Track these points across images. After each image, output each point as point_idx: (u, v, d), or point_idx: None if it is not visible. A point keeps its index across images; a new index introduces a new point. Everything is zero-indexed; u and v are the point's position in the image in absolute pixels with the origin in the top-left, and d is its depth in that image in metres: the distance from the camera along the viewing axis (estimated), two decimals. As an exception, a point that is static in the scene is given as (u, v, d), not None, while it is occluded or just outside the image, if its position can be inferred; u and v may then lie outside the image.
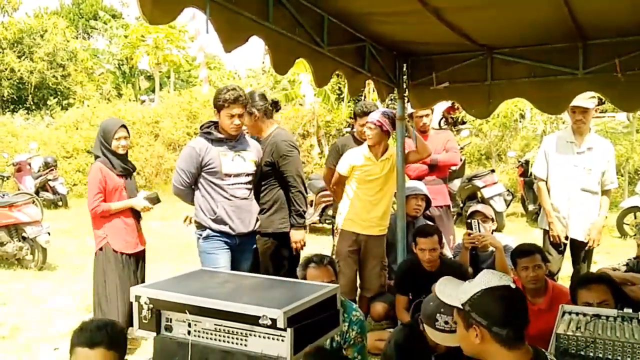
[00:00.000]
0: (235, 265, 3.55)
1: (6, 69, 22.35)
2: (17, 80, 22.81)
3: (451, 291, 1.88)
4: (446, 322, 2.34)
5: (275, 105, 3.93)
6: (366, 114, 4.22)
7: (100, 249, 3.75)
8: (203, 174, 3.47)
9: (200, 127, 3.64)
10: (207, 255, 3.52)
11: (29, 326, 4.54)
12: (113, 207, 3.74)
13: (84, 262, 6.69)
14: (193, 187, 3.57)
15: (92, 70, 24.98)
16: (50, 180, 11.27)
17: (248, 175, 3.54)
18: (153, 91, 24.36)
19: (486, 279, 1.78)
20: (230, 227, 3.48)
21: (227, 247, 3.51)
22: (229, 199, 3.47)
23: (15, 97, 23.38)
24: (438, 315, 2.36)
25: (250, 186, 3.57)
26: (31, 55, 22.70)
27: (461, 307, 1.77)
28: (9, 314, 4.85)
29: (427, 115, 4.68)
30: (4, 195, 7.19)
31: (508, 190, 8.52)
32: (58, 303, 5.14)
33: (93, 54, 25.92)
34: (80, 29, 29.03)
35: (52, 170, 11.34)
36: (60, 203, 11.32)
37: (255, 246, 3.69)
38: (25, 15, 24.23)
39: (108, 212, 3.72)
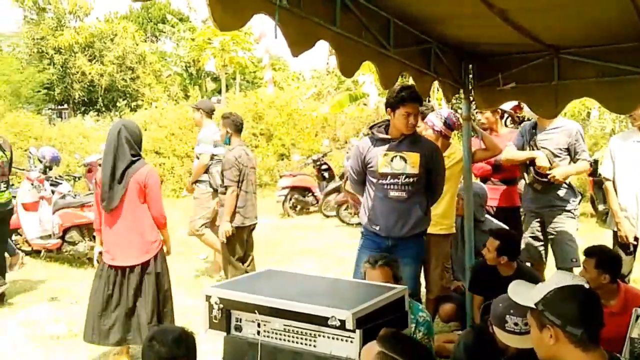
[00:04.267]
0: None
1: (77, 72, 23.82)
2: (88, 83, 24.25)
3: (524, 292, 1.89)
4: (516, 324, 2.35)
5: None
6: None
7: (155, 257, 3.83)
8: (367, 172, 3.60)
9: (370, 126, 3.77)
10: (358, 253, 3.64)
11: (99, 325, 4.83)
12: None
13: (153, 261, 7.07)
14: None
15: (160, 72, 26.17)
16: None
17: (408, 177, 3.47)
18: (219, 92, 25.17)
19: (559, 279, 1.79)
20: (381, 228, 3.51)
21: (376, 248, 3.50)
22: (383, 200, 3.50)
23: (86, 100, 24.85)
24: (507, 316, 2.37)
25: (410, 188, 3.49)
26: (101, 59, 24.07)
27: (534, 307, 1.78)
28: (81, 312, 5.11)
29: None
30: (75, 195, 7.69)
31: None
32: (128, 301, 5.41)
33: (161, 56, 27.19)
34: (148, 32, 30.44)
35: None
36: (128, 203, 11.91)
37: (417, 252, 3.61)
38: (96, 19, 25.74)
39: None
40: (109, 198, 3.67)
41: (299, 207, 10.28)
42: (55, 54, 23.75)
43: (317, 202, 10.19)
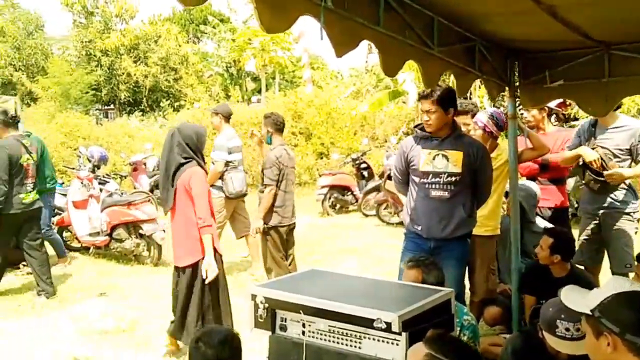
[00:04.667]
0: None
1: (123, 74, 24.49)
2: (133, 84, 24.89)
3: (578, 297, 1.82)
4: (567, 329, 2.28)
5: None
6: (461, 112, 4.17)
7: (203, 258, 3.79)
8: (410, 171, 3.57)
9: (415, 125, 3.77)
10: (402, 254, 3.58)
11: (147, 320, 4.86)
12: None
13: (196, 258, 7.20)
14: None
15: (202, 73, 26.65)
16: (163, 179, 12.14)
17: (450, 175, 3.40)
18: (259, 92, 25.44)
19: (616, 285, 1.72)
20: (423, 229, 3.46)
21: (418, 249, 3.44)
22: (425, 199, 3.45)
23: (131, 100, 25.51)
24: (558, 321, 2.30)
25: (452, 188, 3.41)
26: (146, 60, 24.67)
27: (590, 313, 1.72)
28: (128, 307, 5.24)
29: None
30: (122, 193, 7.90)
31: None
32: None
33: (202, 57, 27.65)
34: (190, 34, 31.02)
35: (165, 169, 12.21)
36: (173, 201, 12.16)
37: (461, 254, 3.53)
38: (141, 22, 26.37)
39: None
40: (165, 200, 3.81)
41: (338, 206, 10.27)
42: (102, 56, 24.49)
43: (356, 201, 10.15)
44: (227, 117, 6.17)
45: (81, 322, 4.89)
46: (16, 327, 4.81)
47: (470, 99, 10.37)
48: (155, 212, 7.09)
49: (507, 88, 4.01)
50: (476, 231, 3.78)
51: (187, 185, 3.69)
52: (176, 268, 3.86)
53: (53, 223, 6.77)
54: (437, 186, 3.43)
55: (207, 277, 3.67)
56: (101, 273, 6.51)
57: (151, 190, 11.57)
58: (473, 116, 4.19)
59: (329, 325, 2.21)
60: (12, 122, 5.56)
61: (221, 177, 5.99)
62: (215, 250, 3.73)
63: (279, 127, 5.19)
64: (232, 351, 2.05)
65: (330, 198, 10.14)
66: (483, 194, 3.59)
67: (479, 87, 9.93)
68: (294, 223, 5.23)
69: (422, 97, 3.47)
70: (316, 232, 8.65)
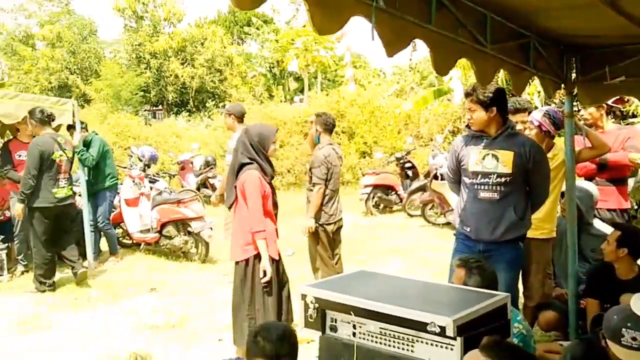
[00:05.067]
0: None
1: (171, 76, 25.05)
2: (180, 85, 25.43)
3: None
4: (634, 339, 2.15)
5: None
6: (520, 110, 4.07)
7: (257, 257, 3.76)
8: (460, 171, 3.49)
9: (467, 124, 3.69)
10: (452, 255, 3.50)
11: (195, 316, 4.95)
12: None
13: (242, 256, 7.28)
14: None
15: (246, 73, 26.99)
16: (209, 177, 12.34)
17: (500, 176, 3.29)
18: (301, 91, 25.57)
19: None
20: (471, 231, 3.37)
21: (468, 250, 3.34)
22: (474, 200, 3.37)
23: (178, 101, 26.07)
24: (624, 330, 2.18)
25: (502, 189, 3.29)
26: (192, 62, 25.16)
27: None
28: (177, 303, 5.34)
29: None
30: (171, 192, 8.09)
31: None
32: (221, 295, 5.47)
33: (246, 58, 27.98)
34: (235, 36, 31.46)
35: (212, 168, 12.39)
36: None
37: (512, 258, 3.38)
38: (188, 25, 26.91)
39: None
40: (227, 197, 3.90)
41: (381, 205, 10.18)
42: (151, 58, 25.12)
43: (401, 201, 10.03)
44: (240, 117, 6.09)
45: (133, 316, 5.02)
46: (72, 320, 4.98)
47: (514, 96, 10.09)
48: (203, 210, 7.21)
49: (563, 85, 3.86)
50: (531, 234, 3.65)
51: (241, 187, 3.72)
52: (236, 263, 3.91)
53: (108, 219, 7.04)
54: (486, 187, 3.32)
55: (263, 277, 3.68)
56: (151, 269, 6.67)
57: (198, 189, 11.80)
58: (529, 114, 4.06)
59: (381, 328, 2.17)
60: (48, 120, 5.84)
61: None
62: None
63: (329, 128, 5.17)
64: (290, 347, 2.06)
65: (373, 197, 10.05)
66: (539, 195, 3.45)
67: (529, 85, 9.64)
68: (341, 221, 5.21)
69: (465, 95, 3.41)
70: (360, 232, 8.59)
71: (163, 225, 7.21)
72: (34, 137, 6.09)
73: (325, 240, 5.04)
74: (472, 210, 3.38)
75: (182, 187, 11.75)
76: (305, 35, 21.56)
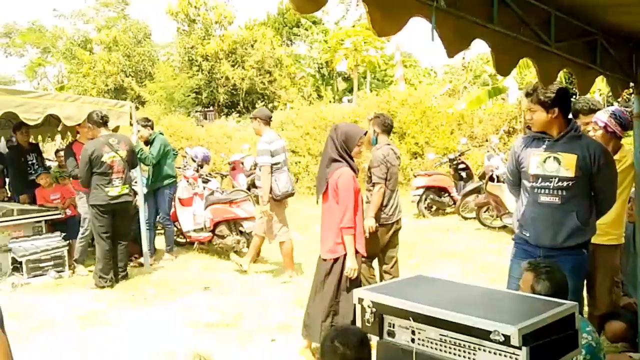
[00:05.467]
0: None
1: (222, 77, 25.56)
2: (231, 87, 25.91)
3: None
4: None
5: None
6: (593, 111, 3.94)
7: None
8: (520, 173, 3.42)
9: (528, 125, 3.68)
10: (510, 262, 3.44)
11: (248, 316, 5.04)
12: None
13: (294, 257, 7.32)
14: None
15: (294, 74, 27.21)
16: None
17: (561, 180, 3.18)
18: (350, 92, 25.55)
19: None
20: (531, 236, 3.28)
21: (527, 257, 3.21)
22: (534, 205, 3.26)
23: (229, 102, 26.57)
24: None
25: (564, 193, 3.18)
26: (243, 64, 25.59)
27: None
28: (231, 302, 5.45)
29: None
30: (223, 192, 8.26)
31: None
32: (273, 295, 5.60)
33: (295, 59, 28.19)
34: (284, 37, 31.77)
35: (261, 168, 12.57)
36: (268, 200, 12.49)
37: (575, 265, 3.24)
38: (238, 27, 27.36)
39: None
40: (318, 189, 3.97)
41: (434, 207, 10.02)
42: (203, 61, 25.71)
43: (454, 203, 9.84)
44: (266, 121, 6.22)
45: (189, 314, 5.15)
46: (131, 316, 5.16)
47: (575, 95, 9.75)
48: (255, 211, 7.32)
49: (632, 84, 3.70)
50: (598, 240, 3.52)
51: (335, 184, 3.76)
52: (320, 258, 3.96)
53: (169, 215, 7.31)
54: (547, 191, 3.22)
55: (349, 276, 3.73)
56: (204, 268, 6.83)
57: (248, 189, 11.99)
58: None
59: (441, 335, 2.14)
60: (102, 122, 6.16)
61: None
62: (356, 251, 3.79)
63: (387, 128, 5.19)
64: (369, 352, 2.07)
65: (426, 199, 9.90)
66: (606, 200, 3.30)
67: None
68: (399, 223, 5.19)
69: (524, 95, 3.33)
70: (413, 234, 8.48)
71: (216, 225, 7.37)
72: (92, 139, 6.43)
73: (378, 240, 5.03)
74: (532, 215, 3.28)
75: (233, 187, 11.95)
76: (354, 36, 21.52)
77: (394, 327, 2.34)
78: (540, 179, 3.24)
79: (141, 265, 6.90)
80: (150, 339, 4.56)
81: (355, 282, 3.80)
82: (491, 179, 8.25)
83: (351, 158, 3.83)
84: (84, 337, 4.65)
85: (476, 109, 12.63)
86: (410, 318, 2.22)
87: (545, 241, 3.23)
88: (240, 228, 7.23)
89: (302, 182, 14.12)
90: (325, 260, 3.87)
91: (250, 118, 6.61)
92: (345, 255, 3.77)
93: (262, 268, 6.79)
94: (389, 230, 5.06)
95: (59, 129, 8.21)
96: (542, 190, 3.23)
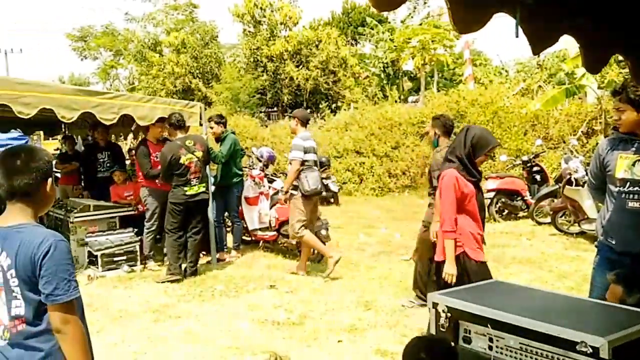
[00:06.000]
0: None
1: (286, 78, 25.91)
2: (295, 88, 26.22)
3: None
4: None
5: None
6: None
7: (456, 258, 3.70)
8: (605, 177, 3.30)
9: (614, 126, 3.51)
10: (593, 270, 3.32)
11: (314, 315, 5.08)
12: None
13: (358, 257, 7.33)
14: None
15: (359, 74, 27.19)
16: (323, 178, 12.58)
17: None
18: (416, 91, 25.26)
19: None
20: (617, 243, 3.15)
21: (611, 265, 3.12)
22: (621, 211, 3.14)
23: (293, 103, 26.89)
24: None
25: None
26: (307, 64, 25.83)
27: None
28: (297, 301, 5.52)
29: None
30: (287, 191, 8.37)
31: None
32: (338, 296, 5.60)
33: (360, 59, 28.15)
34: (348, 36, 31.82)
35: (326, 169, 12.64)
36: (332, 200, 12.56)
37: None
38: (303, 28, 27.66)
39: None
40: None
41: (506, 211, 9.72)
42: (267, 62, 26.16)
43: (527, 207, 9.51)
44: (304, 122, 6.52)
45: (255, 311, 5.26)
46: (198, 311, 5.33)
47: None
48: (320, 210, 7.35)
49: None
50: None
51: (439, 185, 3.74)
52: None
53: (237, 212, 7.52)
54: (636, 197, 3.06)
55: (448, 281, 3.61)
56: (270, 266, 6.95)
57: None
58: None
59: (521, 343, 2.08)
60: (179, 124, 6.47)
61: (297, 177, 6.22)
62: (466, 255, 3.67)
63: (448, 130, 5.14)
64: None
65: (497, 203, 9.62)
66: None
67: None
68: None
69: (612, 93, 3.19)
70: (482, 239, 8.32)
71: (281, 224, 7.49)
72: (160, 139, 6.87)
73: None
74: (618, 221, 3.13)
75: (297, 187, 12.07)
76: (422, 34, 21.25)
77: (470, 334, 2.30)
78: (628, 184, 3.09)
79: (209, 262, 7.12)
80: (218, 334, 4.70)
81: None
82: (569, 182, 7.92)
83: (473, 164, 3.71)
84: (156, 330, 4.85)
85: (552, 109, 12.14)
86: (489, 325, 2.18)
87: (634, 249, 3.07)
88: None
89: (367, 183, 14.08)
90: (438, 263, 3.82)
91: (289, 117, 6.87)
92: (456, 255, 3.67)
93: (326, 268, 6.81)
94: None
95: (132, 128, 8.62)
96: (631, 196, 3.08)
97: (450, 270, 3.63)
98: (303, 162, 6.22)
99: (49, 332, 1.96)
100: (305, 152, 6.24)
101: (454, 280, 3.60)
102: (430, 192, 5.12)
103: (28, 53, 62.89)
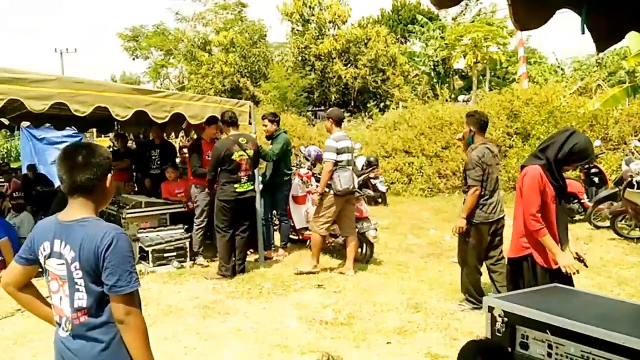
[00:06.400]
0: None
1: (334, 77, 25.97)
2: (343, 86, 26.24)
3: None
4: None
5: None
6: None
7: (525, 259, 3.64)
8: None
9: None
10: None
11: (362, 316, 5.08)
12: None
13: (407, 259, 7.28)
14: None
15: (408, 72, 26.94)
16: (371, 178, 12.56)
17: None
18: (467, 90, 24.81)
19: None
20: None
21: None
22: None
23: (340, 102, 26.92)
24: None
25: None
26: (355, 63, 25.81)
27: None
28: (345, 301, 5.52)
29: None
30: (335, 191, 8.37)
31: None
32: (387, 298, 5.59)
33: (409, 57, 27.89)
34: (398, 34, 31.58)
35: (374, 168, 12.59)
36: (379, 200, 12.49)
37: None
38: (351, 26, 27.61)
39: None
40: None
41: (562, 214, 9.42)
42: (315, 60, 26.29)
43: (584, 210, 9.18)
44: (338, 121, 6.60)
45: (303, 310, 5.31)
46: (247, 308, 5.42)
47: None
48: (369, 211, 7.35)
49: None
50: None
51: (520, 182, 3.66)
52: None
53: (285, 210, 7.60)
54: None
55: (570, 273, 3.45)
56: (317, 265, 6.96)
57: (359, 188, 12.06)
58: None
59: (583, 351, 2.02)
60: (231, 122, 6.60)
61: (330, 177, 6.38)
62: (534, 259, 3.58)
63: (483, 127, 5.15)
64: None
65: (552, 205, 9.33)
66: None
67: None
68: (502, 222, 5.14)
69: None
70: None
71: (329, 224, 7.50)
72: (214, 139, 6.99)
73: (476, 239, 5.06)
74: None
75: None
76: (474, 31, 20.85)
77: (527, 339, 2.25)
78: None
79: (257, 260, 7.22)
80: (266, 332, 4.76)
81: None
82: (630, 185, 7.61)
83: (560, 169, 3.59)
84: (205, 326, 4.96)
85: (611, 108, 11.69)
86: (548, 331, 2.13)
87: None
88: (355, 228, 7.29)
89: (415, 183, 13.93)
90: (508, 258, 3.77)
91: (325, 117, 6.94)
92: (524, 256, 3.60)
93: (375, 269, 6.81)
94: (488, 229, 5.05)
95: (183, 126, 8.84)
96: None
97: (565, 261, 3.43)
98: (336, 163, 6.36)
99: (110, 323, 2.04)
100: (338, 153, 6.37)
101: (576, 272, 3.43)
102: (464, 190, 5.16)
103: (82, 53, 65.34)
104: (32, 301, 2.22)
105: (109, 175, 2.14)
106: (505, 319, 2.30)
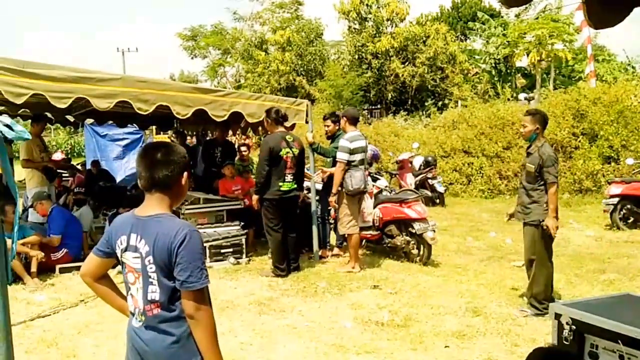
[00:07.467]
0: None
1: (391, 75, 25.79)
2: (400, 85, 26.02)
3: None
4: None
5: None
6: None
7: None
8: None
9: None
10: None
11: (419, 318, 5.03)
12: None
13: (466, 262, 7.16)
14: None
15: (468, 70, 26.42)
16: (429, 178, 12.40)
17: None
18: (529, 89, 24.08)
19: None
20: None
21: None
22: None
23: (397, 100, 26.72)
24: None
25: None
26: (413, 61, 25.54)
27: None
28: (401, 303, 5.48)
29: None
30: (391, 191, 8.33)
31: None
32: (445, 300, 5.51)
33: (470, 54, 27.34)
34: (458, 32, 31.00)
35: (432, 168, 12.42)
36: (437, 201, 12.30)
37: None
38: (409, 23, 27.33)
39: None
40: None
41: (631, 219, 9.00)
42: (372, 59, 26.19)
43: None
44: (352, 120, 6.74)
45: (358, 310, 5.31)
46: (302, 306, 5.47)
47: None
48: (426, 212, 7.27)
49: None
50: None
51: None
52: None
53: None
54: None
55: None
56: (373, 265, 6.97)
57: (416, 188, 11.95)
58: None
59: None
60: (280, 119, 6.61)
61: (343, 177, 6.52)
62: None
63: (545, 125, 5.18)
64: None
65: (621, 209, 8.93)
66: None
67: None
68: None
69: None
70: (605, 248, 7.78)
71: (385, 224, 7.47)
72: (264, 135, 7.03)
73: (548, 236, 5.00)
74: None
75: (400, 186, 12.01)
76: (538, 28, 20.19)
77: (597, 349, 2.19)
78: None
79: (310, 258, 7.28)
80: (322, 331, 4.80)
81: None
82: None
83: None
84: (261, 322, 5.05)
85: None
86: (620, 341, 2.05)
87: None
88: (411, 229, 7.23)
89: (475, 184, 13.65)
90: None
91: (341, 116, 7.01)
92: None
93: (432, 271, 6.73)
94: None
95: (242, 125, 9.02)
96: None
97: None
98: (348, 163, 6.47)
99: (181, 318, 2.11)
100: (351, 154, 6.49)
101: None
102: (524, 186, 5.13)
103: (142, 52, 67.71)
104: (107, 292, 2.33)
105: (185, 174, 2.21)
106: (574, 327, 2.25)
